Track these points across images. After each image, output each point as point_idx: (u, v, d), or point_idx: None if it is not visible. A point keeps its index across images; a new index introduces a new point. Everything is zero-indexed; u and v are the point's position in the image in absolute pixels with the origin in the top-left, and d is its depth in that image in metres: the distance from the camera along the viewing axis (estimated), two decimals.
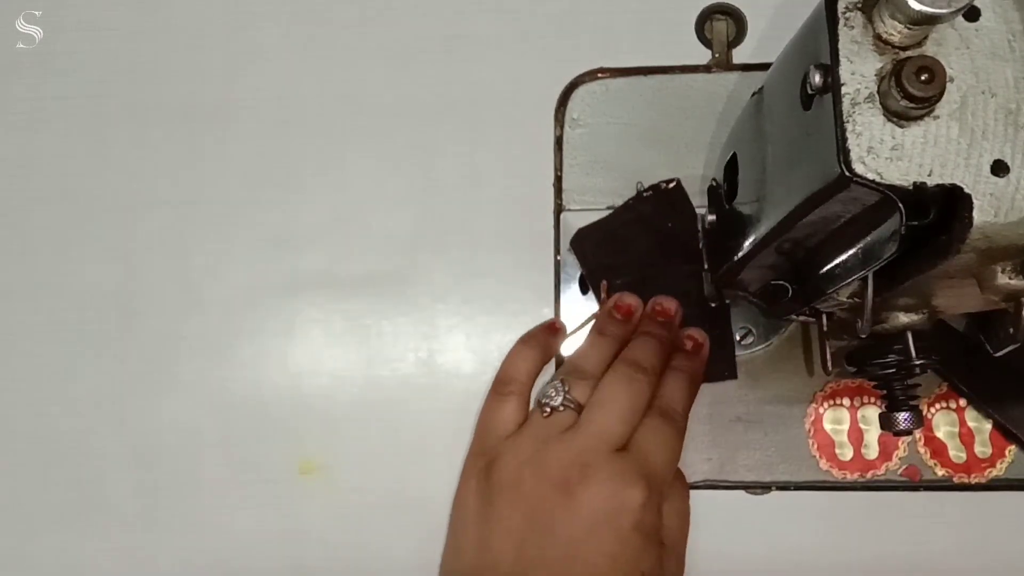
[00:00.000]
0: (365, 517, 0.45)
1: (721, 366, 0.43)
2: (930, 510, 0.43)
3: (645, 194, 0.44)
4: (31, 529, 0.46)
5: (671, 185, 0.44)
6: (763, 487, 0.43)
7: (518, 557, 0.37)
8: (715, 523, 0.43)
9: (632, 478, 0.36)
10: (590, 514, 0.36)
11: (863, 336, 0.31)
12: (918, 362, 0.35)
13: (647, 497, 0.36)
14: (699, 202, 0.45)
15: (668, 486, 0.39)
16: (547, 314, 0.45)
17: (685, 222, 0.44)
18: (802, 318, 0.38)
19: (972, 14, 0.26)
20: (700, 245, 0.43)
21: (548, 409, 0.39)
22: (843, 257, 0.31)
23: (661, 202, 0.44)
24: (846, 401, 0.43)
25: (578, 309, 0.45)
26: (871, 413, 0.43)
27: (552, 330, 0.44)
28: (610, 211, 0.45)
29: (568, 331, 0.44)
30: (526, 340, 0.43)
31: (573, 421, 0.38)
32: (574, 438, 0.38)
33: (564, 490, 0.37)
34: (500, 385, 0.42)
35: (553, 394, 0.39)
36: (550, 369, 0.44)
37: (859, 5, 0.26)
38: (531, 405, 0.42)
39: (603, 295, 0.44)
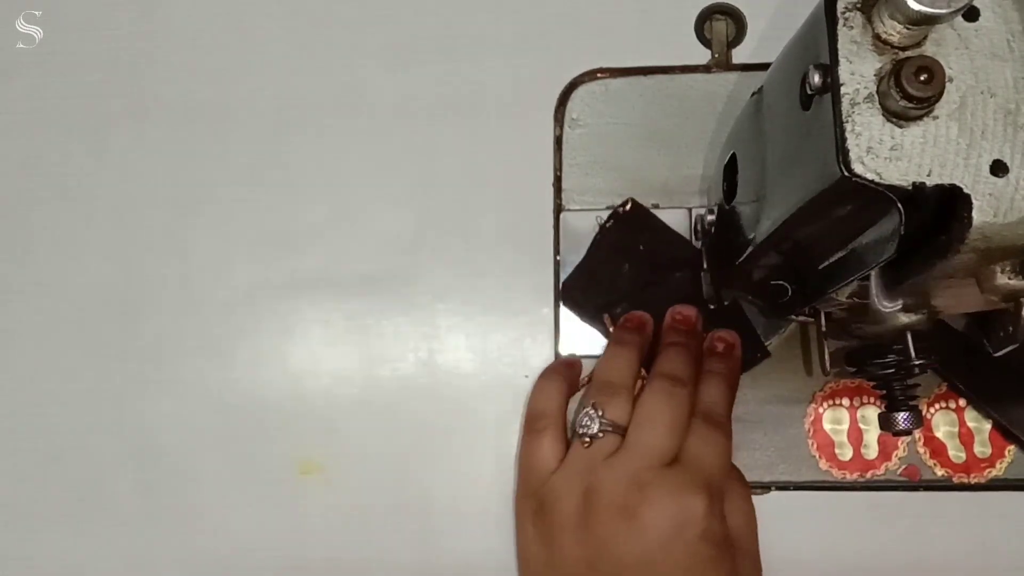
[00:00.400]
0: (365, 517, 0.45)
1: (752, 351, 0.43)
2: (930, 510, 0.43)
3: (607, 225, 0.45)
4: (31, 529, 0.46)
5: (627, 207, 0.44)
6: (763, 487, 0.43)
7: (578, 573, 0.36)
8: None
9: (691, 489, 0.36)
10: (657, 533, 0.35)
11: (871, 331, 0.31)
12: (918, 362, 0.35)
13: (709, 505, 0.36)
14: (699, 202, 0.45)
15: (727, 488, 0.38)
16: (547, 314, 0.45)
17: (656, 235, 0.44)
18: (802, 318, 0.38)
19: (971, 14, 0.26)
20: (682, 250, 0.43)
21: (588, 439, 0.38)
22: (843, 257, 0.31)
23: (625, 225, 0.44)
24: (846, 401, 0.43)
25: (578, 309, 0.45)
26: (871, 413, 0.43)
27: (570, 364, 0.43)
28: (608, 210, 0.45)
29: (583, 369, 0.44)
30: (549, 373, 0.42)
31: (617, 444, 0.37)
32: (624, 461, 0.37)
33: (626, 515, 0.36)
34: (533, 421, 0.41)
35: (588, 422, 0.38)
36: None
37: (858, 5, 0.26)
38: (568, 434, 0.41)
39: (609, 328, 0.44)
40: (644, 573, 0.36)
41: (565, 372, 0.42)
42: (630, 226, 0.44)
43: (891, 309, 0.32)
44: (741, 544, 0.38)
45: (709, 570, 0.36)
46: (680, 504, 0.36)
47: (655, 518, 0.36)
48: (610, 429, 0.38)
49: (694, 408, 0.39)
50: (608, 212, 0.45)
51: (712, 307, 0.43)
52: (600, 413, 0.38)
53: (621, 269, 0.44)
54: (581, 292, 0.44)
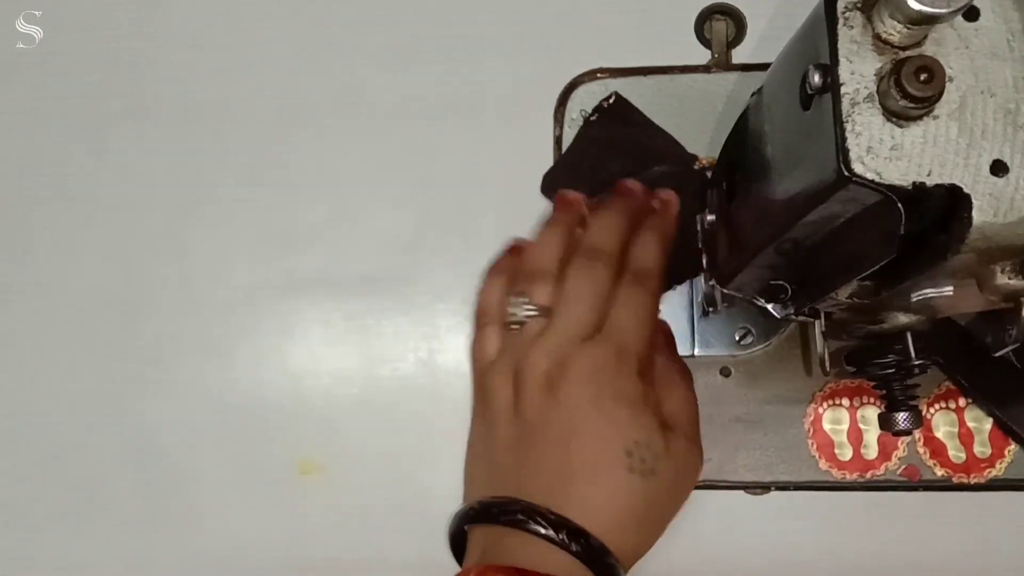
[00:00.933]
0: (365, 517, 0.45)
1: (687, 265, 0.42)
2: (930, 510, 0.43)
3: (592, 118, 0.44)
4: (31, 529, 0.46)
5: (611, 100, 0.44)
6: (763, 487, 0.43)
7: (518, 466, 0.36)
8: (715, 523, 0.43)
9: (606, 356, 0.36)
10: (574, 404, 0.35)
11: (871, 331, 0.31)
12: (917, 362, 0.35)
13: (618, 367, 0.36)
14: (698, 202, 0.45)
15: (664, 372, 0.38)
16: None
17: (640, 129, 0.44)
18: (802, 318, 0.38)
19: (971, 14, 0.26)
20: (666, 144, 0.43)
21: (516, 325, 0.38)
22: (843, 257, 0.31)
23: (609, 119, 0.44)
24: (845, 401, 0.43)
25: None
26: (871, 413, 0.43)
27: (515, 251, 0.42)
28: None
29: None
30: (493, 270, 0.42)
31: (544, 326, 0.38)
32: (547, 340, 0.37)
33: (548, 392, 0.36)
34: (477, 319, 0.41)
35: (514, 309, 0.38)
36: None
37: (858, 5, 0.26)
38: None
39: None
40: (566, 445, 0.35)
41: (509, 265, 0.42)
42: (614, 120, 0.44)
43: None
44: (677, 427, 0.38)
45: (623, 431, 0.35)
46: (594, 372, 0.36)
47: (571, 391, 0.36)
48: (535, 312, 0.38)
49: (627, 260, 0.39)
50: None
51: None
52: (525, 299, 0.38)
53: (603, 162, 0.44)
54: (563, 185, 0.44)
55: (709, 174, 0.44)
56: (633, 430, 0.35)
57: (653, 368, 0.38)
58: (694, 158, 0.44)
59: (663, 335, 0.42)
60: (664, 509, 0.37)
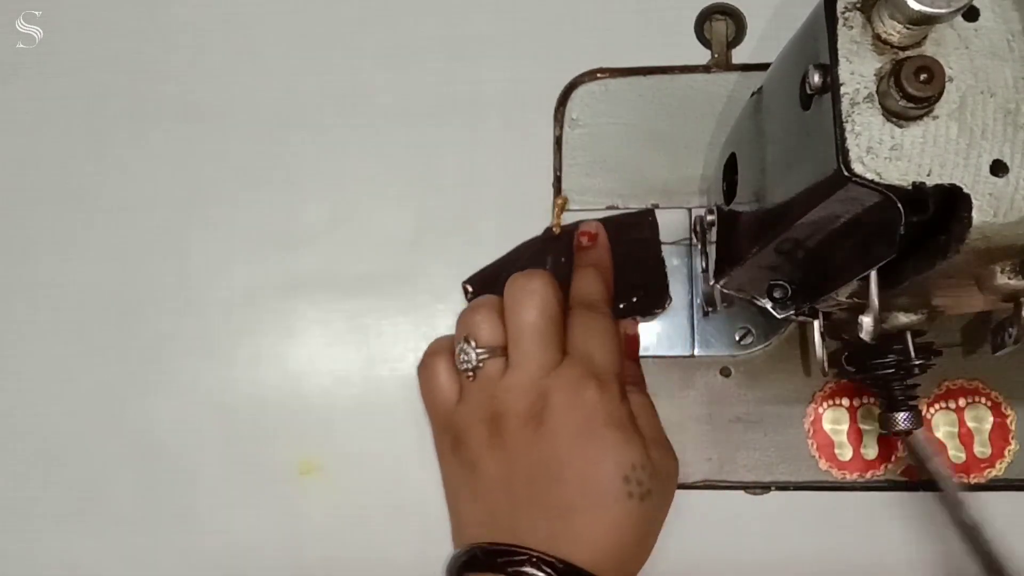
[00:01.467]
0: (365, 517, 0.45)
1: (656, 299, 0.44)
2: (930, 510, 0.43)
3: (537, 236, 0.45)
4: (31, 529, 0.46)
5: (556, 231, 0.45)
6: (763, 487, 0.43)
7: (513, 506, 0.36)
8: (715, 523, 0.43)
9: (584, 381, 0.36)
10: (564, 432, 0.35)
11: (872, 341, 0.31)
12: (918, 362, 0.35)
13: (601, 391, 0.36)
14: (699, 202, 0.45)
15: (626, 378, 0.39)
16: None
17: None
18: (802, 318, 0.38)
19: (971, 14, 0.26)
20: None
21: (471, 372, 0.38)
22: (843, 257, 0.31)
23: (551, 243, 0.45)
24: (846, 401, 0.43)
25: None
26: (871, 413, 0.43)
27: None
28: (610, 211, 0.45)
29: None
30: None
31: (502, 364, 0.38)
32: (518, 377, 0.37)
33: (533, 425, 0.36)
34: (425, 365, 0.41)
35: (465, 356, 0.38)
36: None
37: (858, 5, 0.26)
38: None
39: (467, 299, 0.45)
40: (560, 478, 0.35)
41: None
42: (554, 244, 0.45)
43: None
44: (650, 436, 0.38)
45: (618, 455, 0.35)
46: (578, 398, 0.36)
47: (558, 422, 0.35)
48: (488, 354, 0.38)
49: (571, 301, 0.39)
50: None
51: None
52: (473, 344, 0.38)
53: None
54: (480, 289, 0.45)
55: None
56: (627, 454, 0.35)
57: (625, 385, 0.38)
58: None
59: (630, 342, 0.42)
60: (659, 524, 0.37)
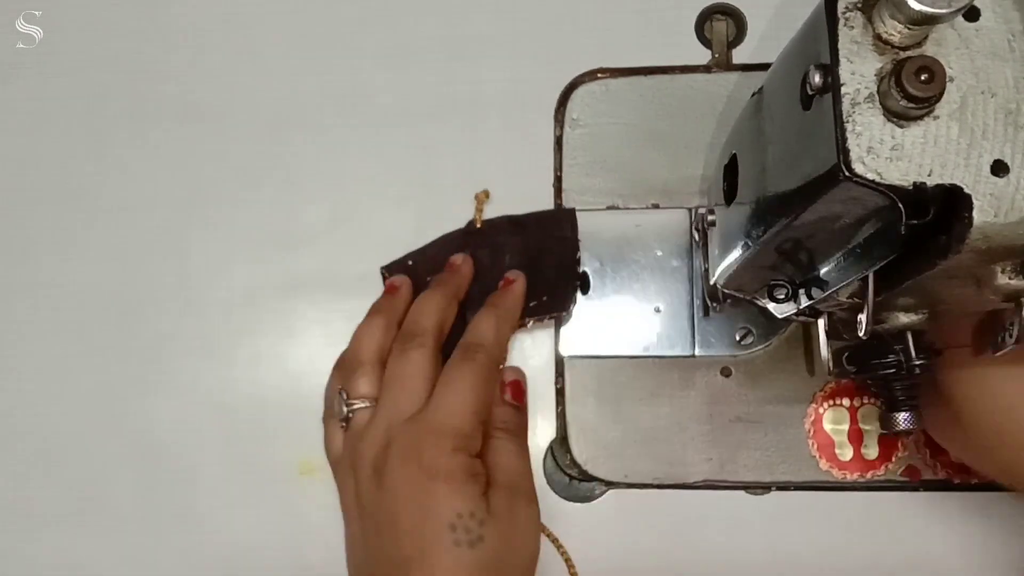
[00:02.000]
0: None
1: (561, 299, 0.44)
2: (930, 510, 0.43)
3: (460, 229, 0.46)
4: (31, 529, 0.46)
5: (478, 225, 0.46)
6: (763, 487, 0.43)
7: (368, 560, 0.38)
8: (715, 523, 0.43)
9: (419, 435, 0.36)
10: (398, 487, 0.36)
11: (864, 337, 0.31)
12: (918, 362, 0.35)
13: (434, 443, 0.36)
14: (699, 202, 0.45)
15: (493, 431, 0.39)
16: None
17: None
18: (802, 318, 0.38)
19: (972, 14, 0.26)
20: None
21: (343, 423, 0.40)
22: (843, 257, 0.31)
23: (471, 237, 0.45)
24: (846, 401, 0.43)
25: (578, 309, 0.45)
26: (871, 413, 0.43)
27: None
28: (610, 211, 0.45)
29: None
30: (336, 366, 0.43)
31: (371, 415, 0.39)
32: (372, 428, 0.38)
33: (376, 478, 0.37)
34: (324, 418, 0.43)
35: (337, 408, 0.40)
36: None
37: (859, 5, 0.26)
38: None
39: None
40: (395, 530, 0.36)
41: (387, 309, 0.43)
42: (475, 238, 0.45)
43: None
44: (506, 481, 0.38)
45: (442, 506, 0.35)
46: (409, 452, 0.36)
47: (394, 475, 0.36)
48: (358, 406, 0.39)
49: (462, 337, 0.40)
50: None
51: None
52: (345, 396, 0.40)
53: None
54: (395, 273, 0.45)
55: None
56: (453, 502, 0.36)
57: (479, 435, 0.38)
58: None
59: (511, 387, 0.43)
60: (508, 569, 0.37)
